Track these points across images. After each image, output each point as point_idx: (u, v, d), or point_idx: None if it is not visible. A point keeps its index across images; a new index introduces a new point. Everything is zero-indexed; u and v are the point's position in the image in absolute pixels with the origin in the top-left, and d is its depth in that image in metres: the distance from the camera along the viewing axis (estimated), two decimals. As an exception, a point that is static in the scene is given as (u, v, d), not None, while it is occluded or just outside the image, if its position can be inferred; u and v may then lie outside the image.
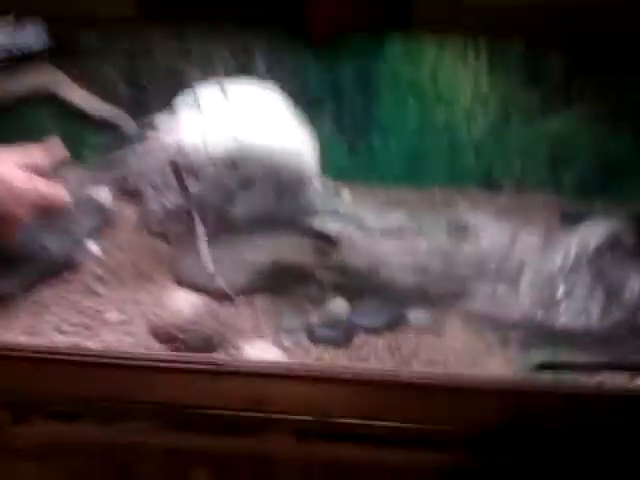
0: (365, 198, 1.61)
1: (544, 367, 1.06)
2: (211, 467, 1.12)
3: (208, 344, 1.14)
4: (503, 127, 1.62)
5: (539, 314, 1.19)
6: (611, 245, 1.19)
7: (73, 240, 1.42)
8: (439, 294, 1.29)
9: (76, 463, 1.14)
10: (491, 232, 1.33)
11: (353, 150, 1.67)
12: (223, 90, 1.33)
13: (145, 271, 1.39)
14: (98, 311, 1.28)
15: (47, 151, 1.23)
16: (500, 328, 1.24)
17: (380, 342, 1.23)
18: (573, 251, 1.20)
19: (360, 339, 1.23)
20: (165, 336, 1.14)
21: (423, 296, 1.29)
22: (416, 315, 1.28)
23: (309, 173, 1.35)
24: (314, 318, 1.26)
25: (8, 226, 1.18)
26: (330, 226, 1.27)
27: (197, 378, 1.10)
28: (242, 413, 1.11)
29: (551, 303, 1.18)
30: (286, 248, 1.30)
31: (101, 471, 1.17)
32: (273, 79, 1.44)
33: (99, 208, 1.53)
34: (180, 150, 1.31)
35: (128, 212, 1.57)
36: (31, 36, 1.59)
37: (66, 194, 1.21)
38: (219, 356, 1.13)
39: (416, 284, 1.29)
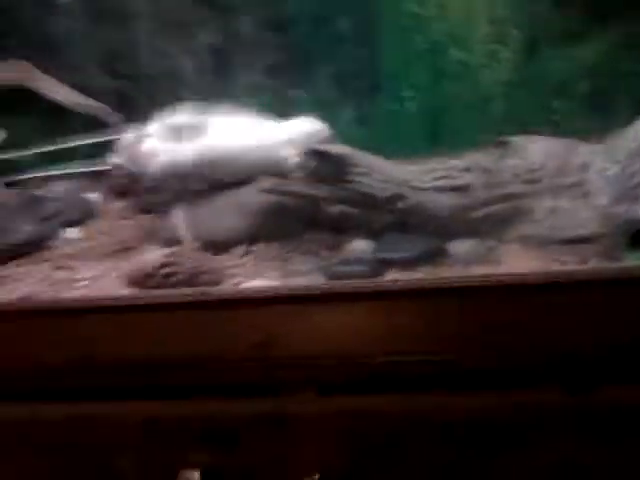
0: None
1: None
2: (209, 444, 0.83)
3: (192, 283, 0.88)
4: (530, 62, 1.42)
5: (622, 213, 0.92)
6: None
7: (50, 227, 1.28)
8: (486, 218, 1.03)
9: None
10: (539, 145, 1.09)
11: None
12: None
13: (124, 246, 1.18)
14: (68, 280, 1.05)
15: None
16: (573, 243, 0.97)
17: (418, 277, 0.97)
18: None
19: (392, 275, 0.97)
20: (140, 279, 0.89)
21: (466, 222, 1.03)
22: (460, 245, 1.02)
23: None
24: (331, 260, 1.01)
25: None
26: (333, 147, 1.04)
27: (173, 318, 0.83)
28: (243, 363, 0.83)
29: (633, 195, 0.92)
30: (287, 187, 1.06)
31: (72, 469, 0.87)
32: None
33: (84, 202, 1.40)
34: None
35: (114, 206, 1.40)
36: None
37: None
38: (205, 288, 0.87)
39: (456, 208, 1.04)
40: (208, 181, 1.11)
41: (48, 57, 1.52)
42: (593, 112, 1.40)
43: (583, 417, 0.79)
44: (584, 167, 1.01)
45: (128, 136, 1.15)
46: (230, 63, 1.40)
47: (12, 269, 1.14)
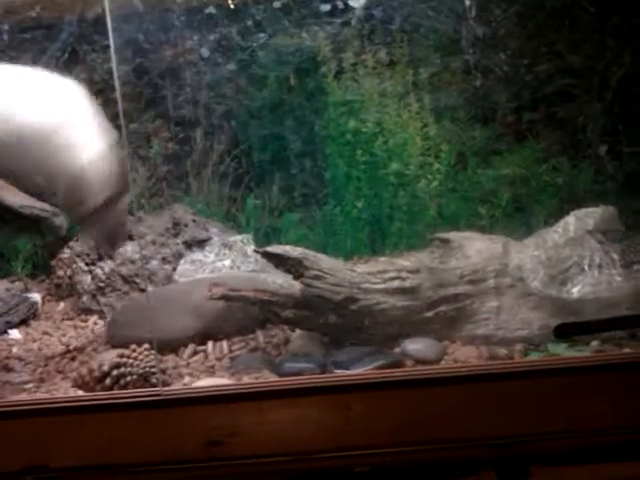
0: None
1: (564, 332, 0.86)
2: None
3: (143, 384, 0.88)
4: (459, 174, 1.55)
5: (553, 295, 1.00)
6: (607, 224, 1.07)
7: None
8: (435, 318, 1.08)
9: None
10: (478, 244, 1.17)
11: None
12: None
13: (68, 347, 1.16)
14: (12, 382, 1.02)
15: None
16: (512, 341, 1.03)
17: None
18: (572, 227, 1.06)
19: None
20: (89, 381, 0.88)
21: (416, 322, 1.08)
22: (410, 343, 1.04)
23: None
24: (280, 357, 1.04)
25: None
26: (289, 249, 1.08)
27: (126, 418, 0.82)
28: (194, 464, 0.83)
29: (562, 279, 1.01)
30: (240, 285, 1.10)
31: None
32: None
33: (27, 302, 1.37)
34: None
35: (56, 306, 1.40)
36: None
37: None
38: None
39: (406, 309, 1.09)
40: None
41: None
42: (515, 217, 1.54)
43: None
44: (520, 267, 1.10)
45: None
46: (183, 170, 1.47)
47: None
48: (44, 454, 0.83)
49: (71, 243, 1.46)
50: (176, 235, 1.34)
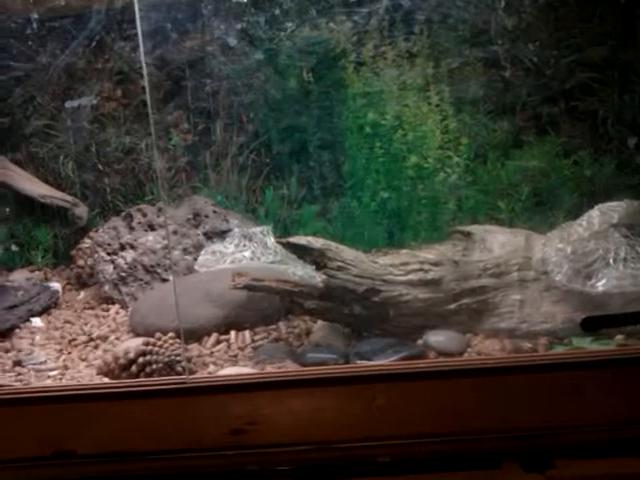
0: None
1: (591, 325, 0.85)
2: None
3: (168, 371, 0.89)
4: (478, 168, 1.55)
5: (577, 288, 0.99)
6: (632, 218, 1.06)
7: (17, 315, 1.27)
8: (458, 310, 1.08)
9: None
10: (500, 237, 1.17)
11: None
12: None
13: (91, 336, 1.17)
14: (37, 370, 1.03)
15: None
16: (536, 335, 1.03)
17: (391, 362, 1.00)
18: (597, 220, 1.05)
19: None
20: (114, 369, 0.89)
21: (439, 314, 1.07)
22: (433, 336, 1.04)
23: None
24: (302, 348, 1.04)
25: None
26: (312, 240, 1.09)
27: (152, 406, 0.83)
28: (218, 451, 0.83)
29: (586, 273, 1.00)
30: (262, 275, 1.10)
31: None
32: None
33: (48, 291, 1.39)
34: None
35: (76, 295, 1.41)
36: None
37: None
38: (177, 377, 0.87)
39: (429, 301, 1.08)
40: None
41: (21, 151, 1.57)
42: (534, 211, 1.53)
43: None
44: (544, 261, 1.10)
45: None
46: (203, 162, 1.48)
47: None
48: (72, 440, 0.84)
49: (91, 233, 1.47)
50: (197, 226, 1.35)
